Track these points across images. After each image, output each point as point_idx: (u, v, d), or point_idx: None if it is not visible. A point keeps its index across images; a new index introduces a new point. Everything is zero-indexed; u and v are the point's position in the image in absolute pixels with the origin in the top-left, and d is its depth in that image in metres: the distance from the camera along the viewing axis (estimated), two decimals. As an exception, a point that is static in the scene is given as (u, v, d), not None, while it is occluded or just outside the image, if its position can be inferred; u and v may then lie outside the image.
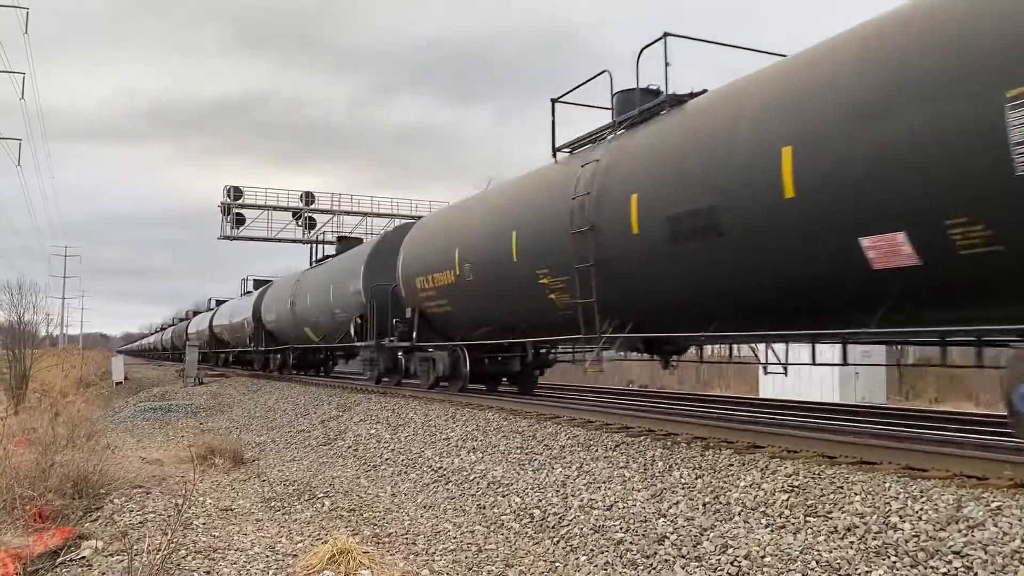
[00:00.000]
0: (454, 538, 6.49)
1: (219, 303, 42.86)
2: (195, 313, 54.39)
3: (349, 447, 11.36)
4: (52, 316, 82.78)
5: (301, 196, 38.70)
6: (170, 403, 20.30)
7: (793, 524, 5.21)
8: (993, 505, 4.55)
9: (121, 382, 30.92)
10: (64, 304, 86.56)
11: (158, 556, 5.18)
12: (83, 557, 6.00)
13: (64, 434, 10.53)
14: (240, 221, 37.73)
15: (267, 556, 6.02)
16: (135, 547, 5.40)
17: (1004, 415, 6.16)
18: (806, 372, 17.73)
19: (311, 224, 38.60)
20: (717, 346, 12.61)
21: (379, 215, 39.53)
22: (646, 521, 5.93)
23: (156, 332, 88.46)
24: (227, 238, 37.79)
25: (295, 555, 6.01)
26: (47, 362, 33.68)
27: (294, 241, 38.24)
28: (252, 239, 38.53)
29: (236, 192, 37.57)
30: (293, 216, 38.46)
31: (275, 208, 38.23)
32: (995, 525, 4.35)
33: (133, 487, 8.48)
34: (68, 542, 6.27)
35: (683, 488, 6.32)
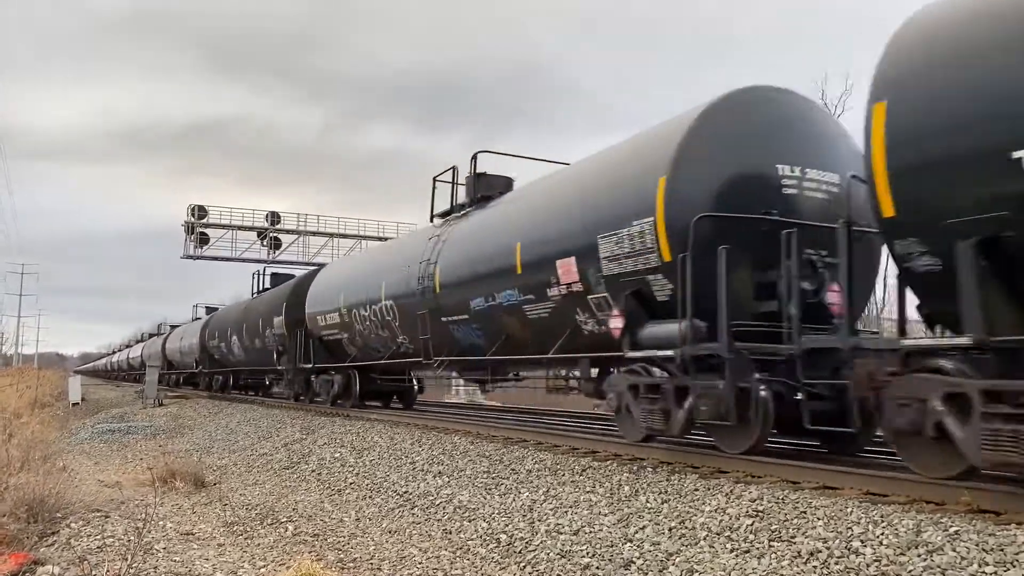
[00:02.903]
0: (420, 563, 6.44)
1: (172, 327, 44.82)
2: (151, 336, 57.07)
3: (313, 471, 11.23)
4: (7, 335, 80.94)
5: (266, 216, 38.43)
6: (129, 424, 19.89)
7: (757, 549, 5.26)
8: (951, 530, 4.65)
9: (78, 403, 30.24)
10: (20, 323, 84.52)
11: (118, 582, 5.09)
12: (39, 583, 5.84)
13: (18, 456, 10.26)
14: (204, 241, 37.33)
15: (230, 582, 5.93)
16: (94, 572, 5.29)
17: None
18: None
19: (276, 244, 38.32)
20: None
21: (345, 236, 39.35)
22: (612, 546, 5.95)
23: (115, 352, 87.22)
24: (190, 257, 37.37)
25: (258, 581, 5.92)
26: (1, 382, 32.82)
27: (258, 261, 37.76)
28: (215, 259, 38.15)
29: (200, 211, 37.19)
30: (258, 236, 38.15)
31: (239, 228, 37.90)
32: (953, 550, 4.45)
33: (91, 511, 8.28)
34: (23, 568, 6.10)
35: (649, 513, 6.36)
